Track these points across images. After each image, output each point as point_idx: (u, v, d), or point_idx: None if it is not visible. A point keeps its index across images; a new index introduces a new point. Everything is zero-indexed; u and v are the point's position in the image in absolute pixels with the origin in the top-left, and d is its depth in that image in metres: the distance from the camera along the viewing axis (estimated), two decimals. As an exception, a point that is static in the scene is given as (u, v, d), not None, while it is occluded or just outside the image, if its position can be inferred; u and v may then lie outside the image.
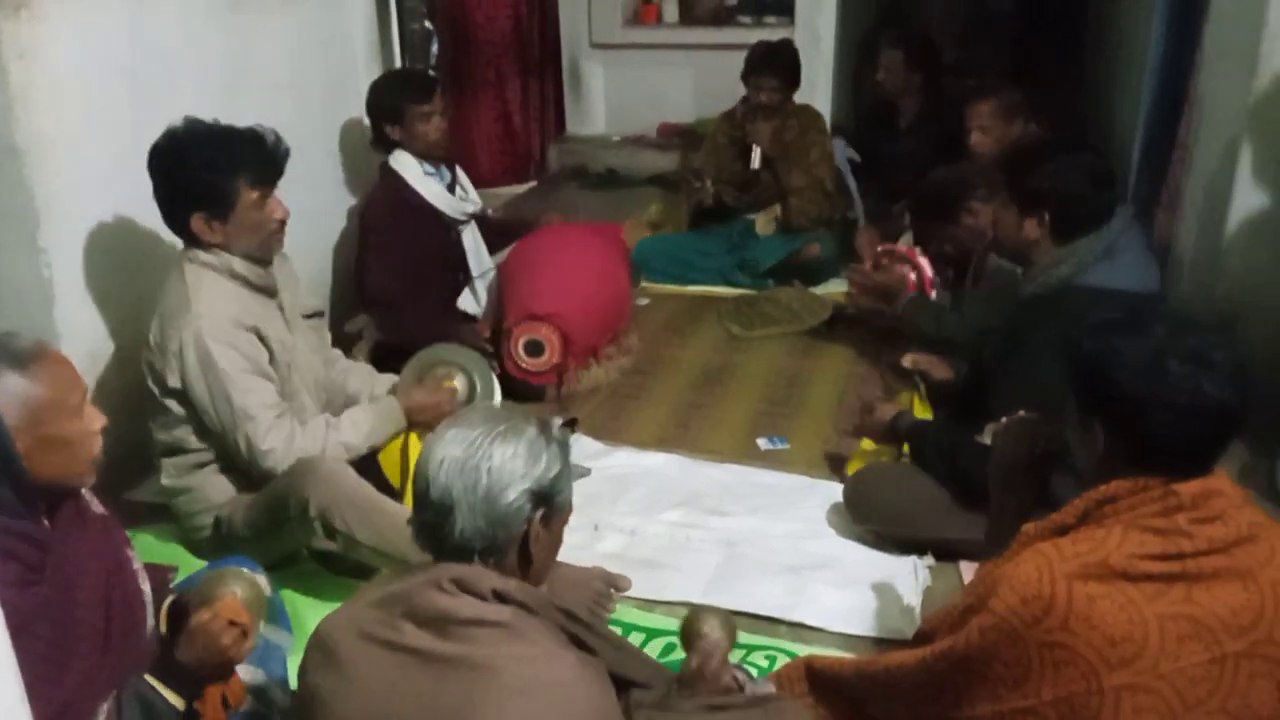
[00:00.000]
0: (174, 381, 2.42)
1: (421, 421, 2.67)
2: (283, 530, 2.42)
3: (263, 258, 2.52)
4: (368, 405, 2.70)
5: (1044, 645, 1.46)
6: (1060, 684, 1.46)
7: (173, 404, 2.47)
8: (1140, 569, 1.44)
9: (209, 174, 2.38)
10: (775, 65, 4.43)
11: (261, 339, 2.48)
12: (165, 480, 2.57)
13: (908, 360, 2.95)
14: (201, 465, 2.54)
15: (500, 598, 1.40)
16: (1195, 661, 1.43)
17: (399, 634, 1.39)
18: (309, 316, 2.73)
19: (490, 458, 1.43)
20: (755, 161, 4.52)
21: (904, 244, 3.90)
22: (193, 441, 2.51)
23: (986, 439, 2.08)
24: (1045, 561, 1.48)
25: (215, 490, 2.55)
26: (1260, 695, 1.44)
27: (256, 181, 2.43)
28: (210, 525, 2.55)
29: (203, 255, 2.45)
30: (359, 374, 2.95)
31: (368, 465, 2.59)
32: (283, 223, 2.52)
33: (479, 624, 1.37)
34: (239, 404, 2.40)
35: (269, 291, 2.55)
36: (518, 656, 1.37)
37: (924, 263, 3.61)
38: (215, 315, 2.40)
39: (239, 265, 2.47)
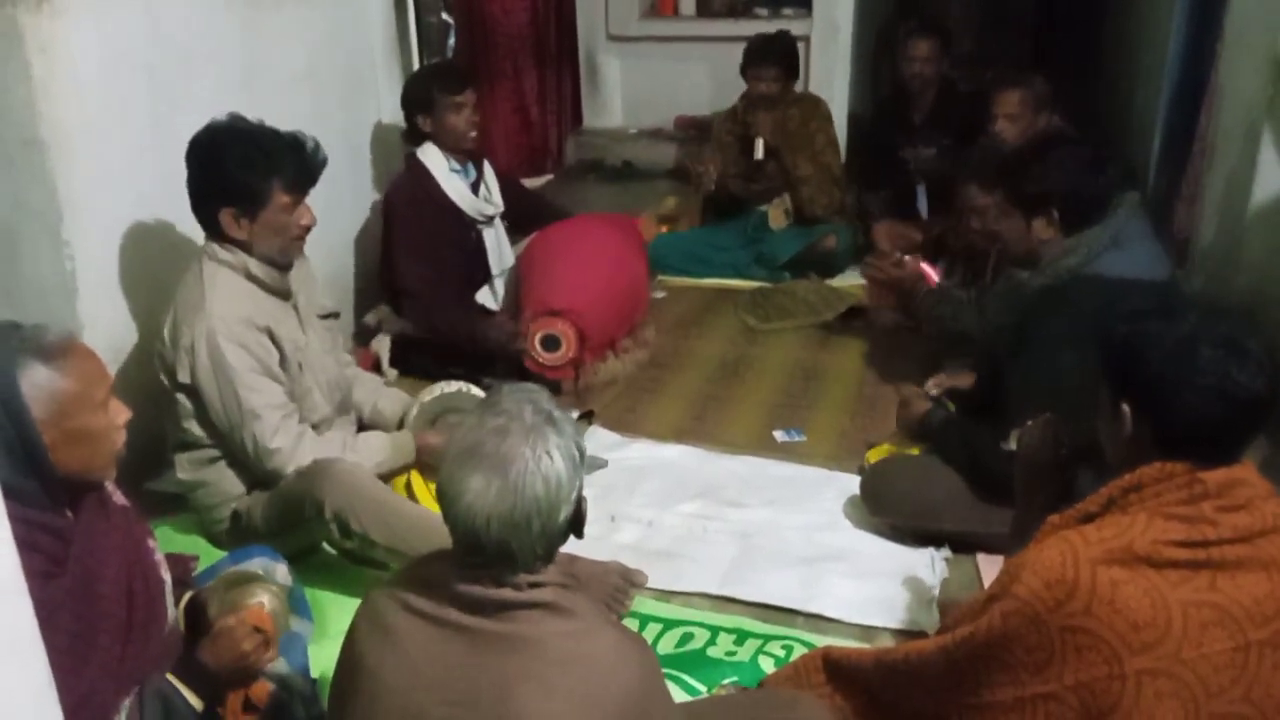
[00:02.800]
0: (184, 377, 2.44)
1: (430, 464, 2.67)
2: (300, 529, 2.43)
3: (282, 262, 2.54)
4: (384, 435, 2.72)
5: (1066, 630, 1.47)
6: (1082, 668, 1.46)
7: (183, 398, 2.48)
8: (1164, 555, 1.45)
9: (246, 172, 2.41)
10: (773, 55, 4.43)
11: (274, 339, 2.50)
12: (181, 474, 2.59)
13: (931, 387, 2.96)
14: (215, 460, 2.56)
15: (536, 586, 1.40)
16: (1218, 649, 1.43)
17: (444, 613, 1.40)
18: (324, 317, 2.75)
19: (537, 498, 1.36)
20: (759, 151, 4.52)
21: (910, 256, 3.87)
22: (202, 436, 2.53)
23: (1012, 444, 2.09)
24: (1069, 547, 1.49)
25: (231, 483, 2.57)
26: None
27: (291, 186, 2.46)
28: (228, 518, 2.58)
29: (221, 253, 2.47)
30: (365, 384, 2.96)
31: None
32: (307, 229, 2.54)
33: (522, 606, 1.38)
34: (247, 403, 2.42)
35: (283, 295, 2.58)
36: (561, 631, 1.38)
37: (930, 272, 3.60)
38: (229, 314, 2.42)
39: (255, 267, 2.48)
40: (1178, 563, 1.45)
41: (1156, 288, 2.45)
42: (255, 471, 2.51)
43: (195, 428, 2.52)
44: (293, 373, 2.55)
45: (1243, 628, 1.43)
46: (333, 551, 2.52)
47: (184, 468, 2.58)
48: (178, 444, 2.57)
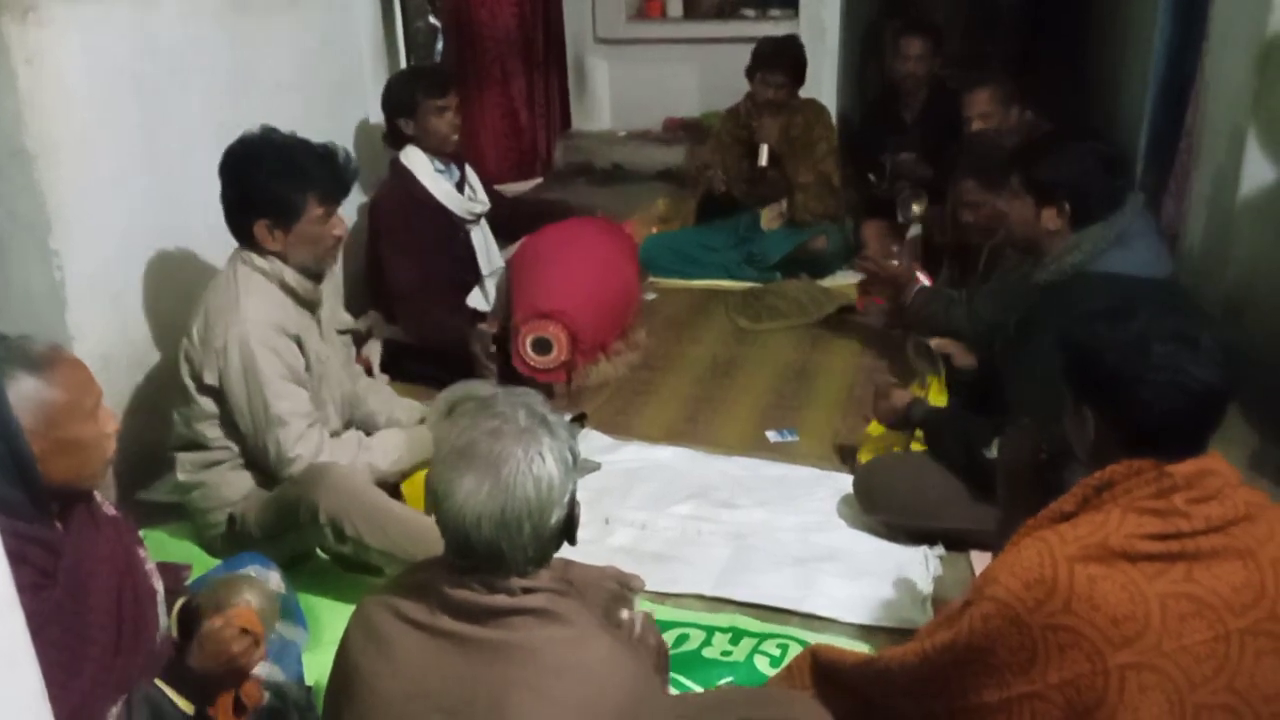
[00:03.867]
0: (211, 378, 2.45)
1: None
2: (294, 534, 2.44)
3: (316, 271, 2.56)
4: (400, 432, 2.72)
5: (1048, 628, 1.48)
6: (1066, 666, 1.47)
7: (205, 400, 2.49)
8: (1140, 549, 1.46)
9: (280, 184, 2.43)
10: (782, 60, 4.44)
11: (301, 348, 2.51)
12: (180, 475, 2.59)
13: (934, 342, 2.97)
14: (217, 463, 2.56)
15: (529, 591, 1.41)
16: (1199, 639, 1.44)
17: (436, 620, 1.40)
18: (342, 333, 2.77)
19: (528, 498, 1.37)
20: (763, 158, 4.52)
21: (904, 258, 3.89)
22: (213, 438, 2.53)
23: (993, 453, 2.11)
24: (1046, 546, 1.50)
25: (229, 487, 2.57)
26: (1266, 673, 1.45)
27: (325, 197, 2.49)
28: (224, 522, 2.57)
29: (257, 260, 2.49)
30: (378, 394, 2.96)
31: (389, 493, 2.58)
32: (339, 239, 2.56)
33: (515, 613, 1.39)
34: (274, 409, 2.43)
35: (313, 306, 2.59)
36: (554, 638, 1.38)
37: (922, 278, 3.60)
38: (261, 319, 2.43)
39: (290, 277, 2.50)
40: (1153, 556, 1.46)
41: (1158, 285, 2.45)
42: (272, 476, 2.52)
43: (209, 430, 2.52)
44: (314, 384, 2.56)
45: (1222, 617, 1.45)
46: (326, 557, 2.53)
47: (185, 469, 2.58)
48: (183, 444, 2.57)
